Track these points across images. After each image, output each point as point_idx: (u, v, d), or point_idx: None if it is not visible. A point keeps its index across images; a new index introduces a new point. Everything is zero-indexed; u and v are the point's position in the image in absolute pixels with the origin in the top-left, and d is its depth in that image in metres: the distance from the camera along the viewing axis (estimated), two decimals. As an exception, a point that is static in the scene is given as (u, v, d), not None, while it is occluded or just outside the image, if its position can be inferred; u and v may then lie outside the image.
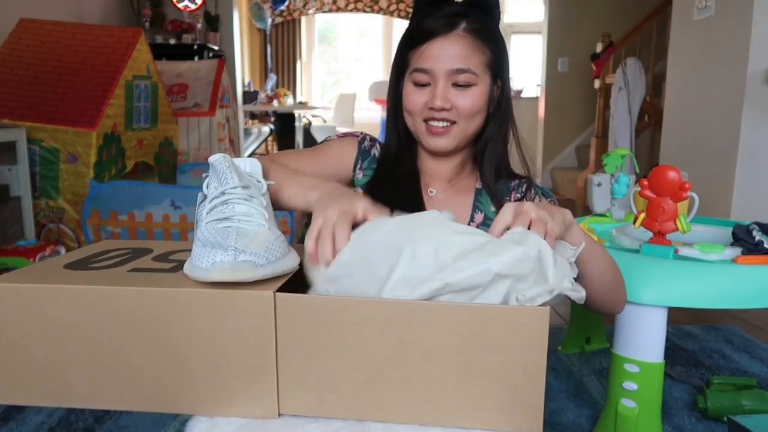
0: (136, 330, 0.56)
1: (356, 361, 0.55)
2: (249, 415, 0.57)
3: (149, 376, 0.57)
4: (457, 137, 0.93)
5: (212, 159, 0.64)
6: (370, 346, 0.54)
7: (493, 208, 0.97)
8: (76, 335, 0.57)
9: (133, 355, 0.57)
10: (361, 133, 1.03)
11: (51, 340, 0.57)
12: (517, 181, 1.01)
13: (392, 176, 0.98)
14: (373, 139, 1.02)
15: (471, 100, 0.91)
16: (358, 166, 0.99)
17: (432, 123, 0.92)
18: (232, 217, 0.60)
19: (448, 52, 0.89)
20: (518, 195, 1.00)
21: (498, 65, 0.95)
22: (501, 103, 0.97)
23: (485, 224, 0.96)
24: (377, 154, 1.00)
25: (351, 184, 0.99)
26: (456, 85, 0.90)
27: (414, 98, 0.93)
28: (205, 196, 0.64)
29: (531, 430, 0.54)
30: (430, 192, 0.99)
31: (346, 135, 1.01)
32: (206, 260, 0.54)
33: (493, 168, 0.98)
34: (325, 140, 1.02)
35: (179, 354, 0.56)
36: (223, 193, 0.62)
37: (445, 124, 0.92)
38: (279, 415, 0.57)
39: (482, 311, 0.53)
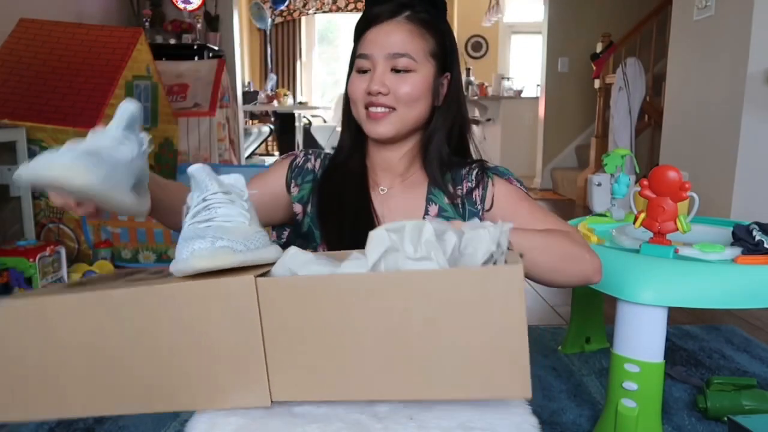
0: (127, 331, 0.56)
1: (342, 338, 0.54)
2: (242, 405, 0.57)
3: (143, 377, 0.57)
4: (395, 124, 0.92)
5: (191, 170, 0.65)
6: (353, 322, 0.54)
7: (446, 200, 0.96)
8: (70, 344, 0.57)
9: (125, 357, 0.57)
10: (299, 150, 1.04)
11: (46, 351, 0.58)
12: (467, 168, 0.97)
13: (341, 174, 0.98)
14: (308, 153, 1.02)
15: (409, 86, 0.90)
16: (292, 184, 0.99)
17: (371, 109, 0.92)
18: (213, 218, 0.61)
19: (388, 38, 0.90)
20: (470, 184, 0.96)
21: (444, 56, 0.95)
22: (449, 96, 0.96)
23: (441, 215, 0.95)
24: (312, 165, 1.00)
25: (291, 202, 0.99)
26: (395, 70, 0.90)
27: (355, 84, 0.93)
28: (189, 208, 0.65)
29: (521, 394, 0.53)
30: (381, 190, 0.98)
31: (286, 157, 1.03)
32: (185, 251, 0.55)
33: (437, 161, 0.96)
34: (273, 162, 1.05)
35: (169, 351, 0.56)
36: (204, 200, 0.62)
37: (383, 109, 0.91)
38: (272, 402, 0.56)
39: (453, 275, 0.53)
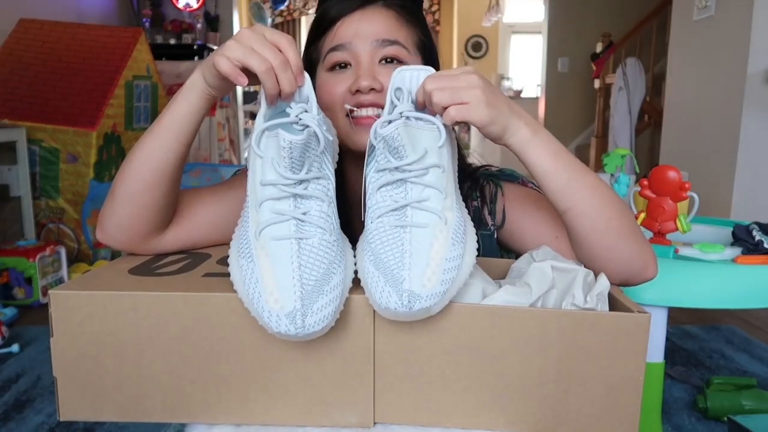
0: (225, 338, 0.53)
1: (455, 368, 0.53)
2: (343, 423, 0.55)
3: (237, 387, 0.54)
4: None
5: (387, 131, 0.53)
6: (469, 352, 0.53)
7: None
8: (157, 345, 0.53)
9: (220, 365, 0.53)
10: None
11: (127, 350, 0.53)
12: (469, 183, 0.80)
13: None
14: None
15: None
16: None
17: (358, 113, 0.71)
18: (405, 206, 0.53)
19: (371, 23, 0.72)
20: (476, 203, 0.79)
21: (429, 51, 0.78)
22: None
23: None
24: None
25: None
26: (384, 60, 0.72)
27: (331, 86, 0.73)
28: (373, 148, 0.55)
29: None
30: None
31: (242, 175, 0.80)
32: (380, 297, 0.49)
33: None
34: (234, 174, 0.84)
35: (270, 362, 0.53)
36: (397, 169, 0.53)
37: (375, 111, 0.70)
38: (374, 423, 0.55)
39: (583, 318, 0.51)
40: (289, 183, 0.53)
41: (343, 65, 0.73)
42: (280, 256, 0.51)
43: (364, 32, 0.72)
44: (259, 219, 0.53)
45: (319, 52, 0.75)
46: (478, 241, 0.57)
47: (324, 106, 0.71)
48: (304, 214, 0.53)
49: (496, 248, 0.79)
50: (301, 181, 0.53)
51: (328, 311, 0.49)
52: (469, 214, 0.68)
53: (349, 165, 0.77)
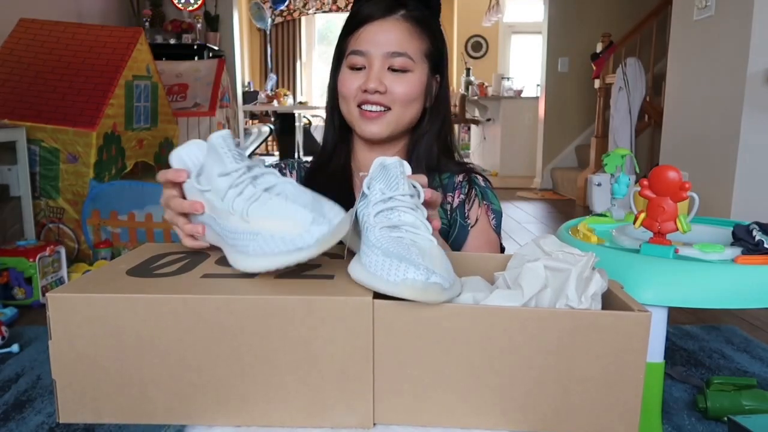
0: (224, 340, 0.53)
1: (454, 368, 0.53)
2: (343, 425, 0.55)
3: (237, 389, 0.54)
4: (391, 124, 0.90)
5: (387, 161, 0.62)
6: (468, 353, 0.53)
7: None
8: (156, 347, 0.53)
9: (219, 367, 0.54)
10: (279, 163, 1.02)
11: (127, 353, 0.53)
12: (460, 179, 0.96)
13: (324, 175, 0.96)
14: (282, 168, 1.01)
15: (407, 86, 0.88)
16: None
17: (365, 107, 0.89)
18: (400, 226, 0.57)
19: (385, 35, 0.88)
20: (462, 196, 0.95)
21: (437, 57, 0.93)
22: (438, 98, 0.95)
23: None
24: (298, 173, 1.00)
25: None
26: (392, 69, 0.88)
27: (348, 82, 0.90)
28: (365, 195, 0.62)
29: None
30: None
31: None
32: (396, 274, 0.51)
33: (423, 164, 0.94)
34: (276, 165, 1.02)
35: (270, 364, 0.54)
36: (391, 198, 0.59)
37: (379, 108, 0.89)
38: (374, 424, 0.55)
39: (584, 317, 0.51)
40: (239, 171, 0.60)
41: (358, 67, 0.89)
42: (268, 208, 0.57)
43: (378, 41, 0.88)
44: (231, 207, 0.59)
45: (346, 47, 0.92)
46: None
47: (342, 94, 0.92)
48: (268, 188, 0.59)
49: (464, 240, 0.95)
50: (249, 168, 0.60)
51: (338, 209, 0.56)
52: (452, 198, 0.95)
53: (356, 143, 0.98)
